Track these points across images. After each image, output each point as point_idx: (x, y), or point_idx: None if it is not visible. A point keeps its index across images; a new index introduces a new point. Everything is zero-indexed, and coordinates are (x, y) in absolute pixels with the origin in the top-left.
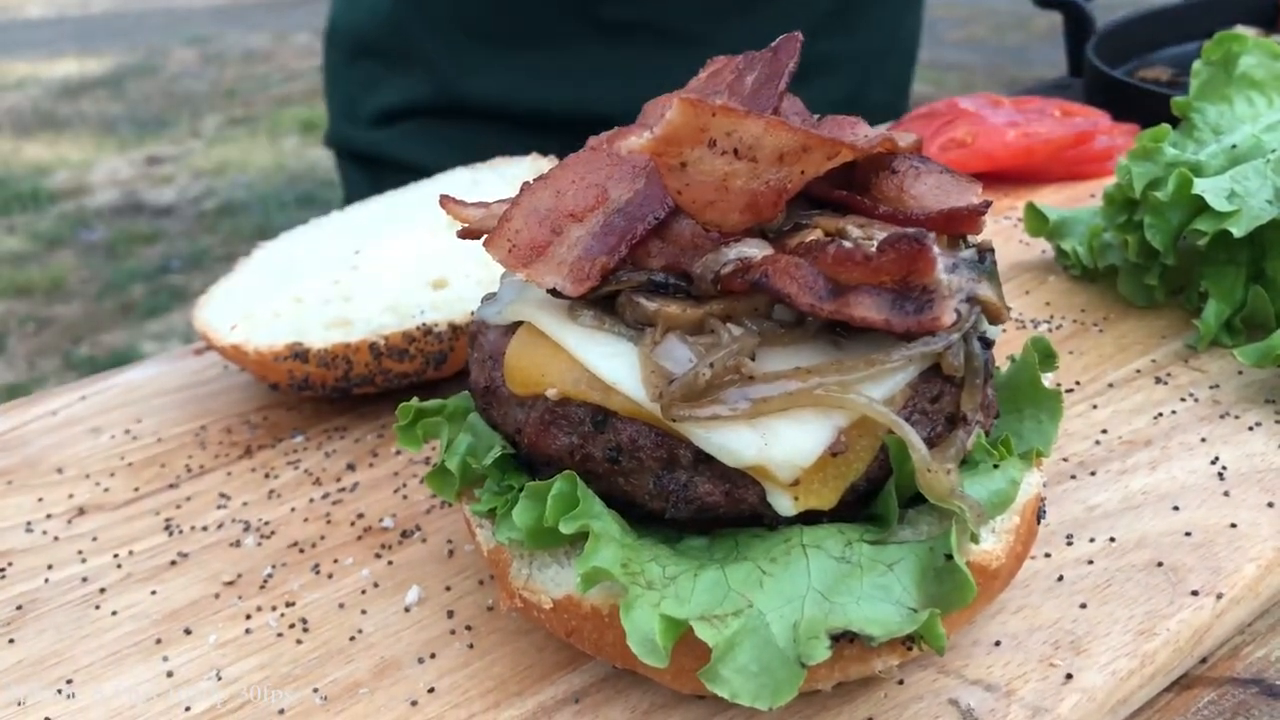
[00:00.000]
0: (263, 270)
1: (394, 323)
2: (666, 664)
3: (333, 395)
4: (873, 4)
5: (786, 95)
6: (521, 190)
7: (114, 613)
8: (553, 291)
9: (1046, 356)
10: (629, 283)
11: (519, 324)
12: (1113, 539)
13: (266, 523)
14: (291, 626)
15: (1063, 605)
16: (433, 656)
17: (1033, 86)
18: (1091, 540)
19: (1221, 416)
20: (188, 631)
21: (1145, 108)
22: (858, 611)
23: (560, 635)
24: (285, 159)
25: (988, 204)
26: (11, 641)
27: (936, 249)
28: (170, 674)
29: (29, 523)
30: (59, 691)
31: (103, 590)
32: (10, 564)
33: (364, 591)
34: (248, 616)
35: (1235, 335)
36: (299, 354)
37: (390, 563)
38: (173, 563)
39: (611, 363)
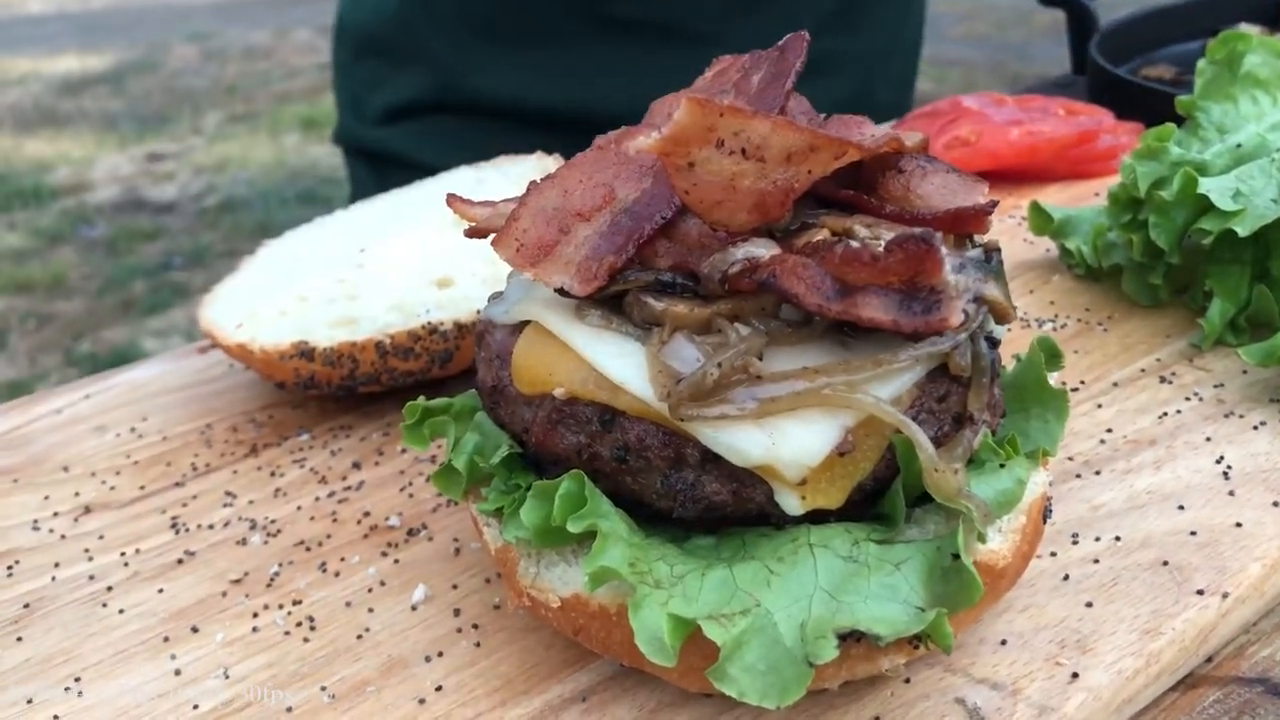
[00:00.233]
0: (268, 269)
1: (399, 321)
2: (674, 663)
3: (338, 394)
4: (877, 2)
5: (793, 95)
6: (528, 189)
7: (121, 611)
8: (560, 291)
9: (1052, 356)
10: (636, 282)
11: (526, 323)
12: (1118, 538)
13: (273, 521)
14: (298, 625)
15: (1068, 604)
16: (440, 655)
17: (1035, 84)
18: (1097, 539)
19: (1226, 416)
20: (195, 630)
21: (1149, 106)
22: (865, 611)
23: (567, 634)
24: (286, 155)
25: (995, 204)
26: (19, 639)
27: (944, 249)
28: (178, 672)
29: (35, 521)
30: (67, 689)
31: (110, 588)
32: (17, 562)
33: (371, 590)
34: (254, 615)
35: (1240, 334)
36: (304, 352)
37: (397, 561)
38: (179, 561)
39: (619, 362)
